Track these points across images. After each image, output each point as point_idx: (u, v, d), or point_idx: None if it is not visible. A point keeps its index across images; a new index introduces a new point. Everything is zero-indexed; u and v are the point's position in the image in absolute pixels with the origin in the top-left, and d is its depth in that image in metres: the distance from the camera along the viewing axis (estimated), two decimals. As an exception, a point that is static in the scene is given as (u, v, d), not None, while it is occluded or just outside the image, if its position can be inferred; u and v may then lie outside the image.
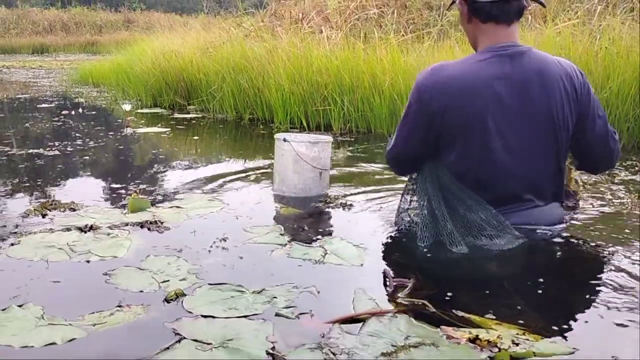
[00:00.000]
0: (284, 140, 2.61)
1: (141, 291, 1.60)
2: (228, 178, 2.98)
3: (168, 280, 1.67)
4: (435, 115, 1.84)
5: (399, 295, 1.52)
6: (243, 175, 3.06)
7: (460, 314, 1.39)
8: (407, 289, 1.55)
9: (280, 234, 2.07)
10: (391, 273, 1.67)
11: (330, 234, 2.10)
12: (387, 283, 1.62)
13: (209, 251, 1.89)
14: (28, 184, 2.89)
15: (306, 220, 2.30)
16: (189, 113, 5.73)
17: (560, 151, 1.90)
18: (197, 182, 2.90)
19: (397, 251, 1.99)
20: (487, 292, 1.58)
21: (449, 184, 1.90)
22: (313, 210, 2.43)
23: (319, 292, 1.57)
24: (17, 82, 9.98)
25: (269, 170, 3.09)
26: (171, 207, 2.44)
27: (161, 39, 7.50)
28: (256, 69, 5.07)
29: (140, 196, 2.51)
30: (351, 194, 2.64)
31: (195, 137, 4.38)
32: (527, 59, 1.84)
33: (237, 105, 5.23)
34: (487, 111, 1.80)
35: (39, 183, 2.91)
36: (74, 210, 2.41)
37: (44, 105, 6.51)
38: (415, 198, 2.03)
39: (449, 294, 1.53)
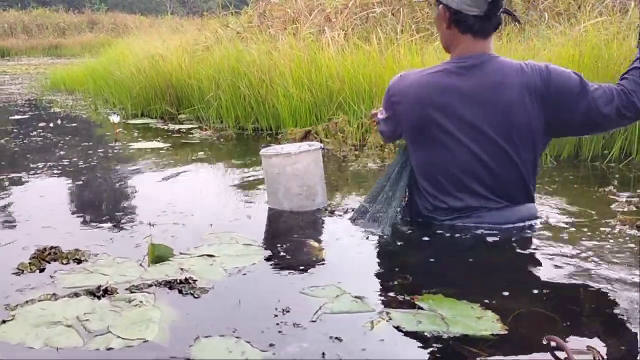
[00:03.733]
0: (260, 153, 2.46)
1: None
2: (253, 207, 2.51)
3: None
4: (399, 117, 2.07)
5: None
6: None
7: None
8: None
9: (357, 297, 1.59)
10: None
11: (420, 285, 1.63)
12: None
13: (280, 331, 1.40)
14: (14, 224, 2.36)
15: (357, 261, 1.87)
16: (182, 123, 5.19)
17: (522, 154, 1.96)
18: (221, 217, 2.41)
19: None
20: None
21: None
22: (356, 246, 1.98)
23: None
24: (-20, 90, 9.28)
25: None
26: (200, 255, 1.94)
27: (140, 42, 6.94)
28: (256, 73, 4.58)
29: (154, 239, 2.02)
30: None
31: (201, 153, 3.79)
32: (485, 68, 1.94)
33: (237, 114, 4.72)
34: (436, 119, 1.96)
35: (28, 221, 2.39)
36: (80, 261, 1.91)
37: (17, 117, 5.90)
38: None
39: None
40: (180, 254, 1.96)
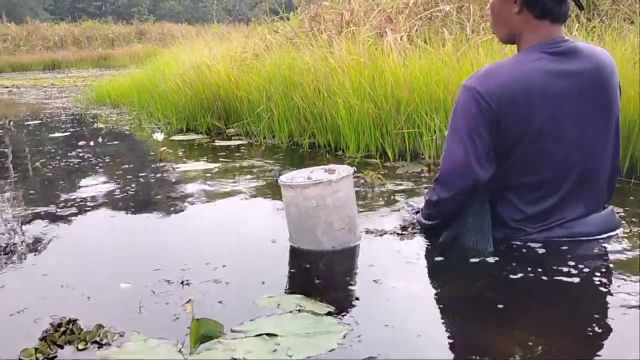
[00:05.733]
0: (276, 181, 2.07)
1: None
2: (313, 254, 2.00)
3: None
4: (495, 122, 1.74)
5: None
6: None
7: None
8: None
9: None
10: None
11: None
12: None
13: None
14: (29, 281, 1.93)
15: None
16: (230, 139, 4.73)
17: (617, 151, 1.88)
18: (277, 268, 1.92)
19: None
20: None
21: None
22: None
23: None
24: (27, 104, 9.09)
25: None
26: (258, 335, 1.45)
27: (187, 51, 6.55)
28: (312, 83, 4.10)
29: (195, 307, 1.55)
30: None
31: (250, 177, 3.25)
32: (583, 52, 1.77)
33: (291, 128, 4.24)
34: (556, 110, 1.75)
35: (46, 277, 1.95)
36: (101, 344, 1.45)
37: (57, 135, 5.56)
38: None
39: None
40: (232, 331, 1.48)
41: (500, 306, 1.52)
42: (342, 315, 1.53)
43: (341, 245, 2.01)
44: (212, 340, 1.43)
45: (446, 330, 1.47)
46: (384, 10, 5.06)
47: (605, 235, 1.87)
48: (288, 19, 6.54)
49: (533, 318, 1.48)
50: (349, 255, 2.00)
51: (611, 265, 1.75)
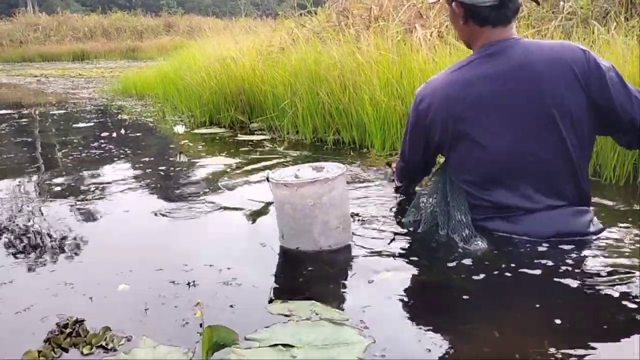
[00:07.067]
0: (267, 179, 1.98)
1: None
2: (329, 256, 1.91)
3: None
4: (429, 124, 1.94)
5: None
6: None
7: None
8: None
9: None
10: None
11: None
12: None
13: None
14: (37, 276, 1.87)
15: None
16: (253, 133, 4.64)
17: (569, 143, 1.81)
18: (290, 271, 1.83)
19: None
20: None
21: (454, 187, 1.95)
22: None
23: None
24: (53, 94, 9.11)
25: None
26: (273, 345, 1.36)
27: (213, 43, 6.48)
28: (338, 78, 3.99)
29: (205, 313, 1.46)
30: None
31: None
32: (512, 51, 1.83)
33: (315, 124, 4.14)
34: (470, 115, 1.84)
35: (53, 273, 1.88)
36: (107, 348, 1.37)
37: (80, 125, 5.53)
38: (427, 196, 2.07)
39: None
40: (245, 339, 1.39)
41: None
42: (361, 324, 1.43)
43: (337, 245, 1.97)
44: (226, 349, 1.34)
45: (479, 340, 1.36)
46: (414, 5, 4.92)
47: (559, 239, 1.85)
48: (316, 13, 6.44)
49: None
50: (346, 254, 1.94)
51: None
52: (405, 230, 2.10)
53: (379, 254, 1.91)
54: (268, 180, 1.97)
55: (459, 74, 1.90)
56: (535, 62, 1.81)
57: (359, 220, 2.24)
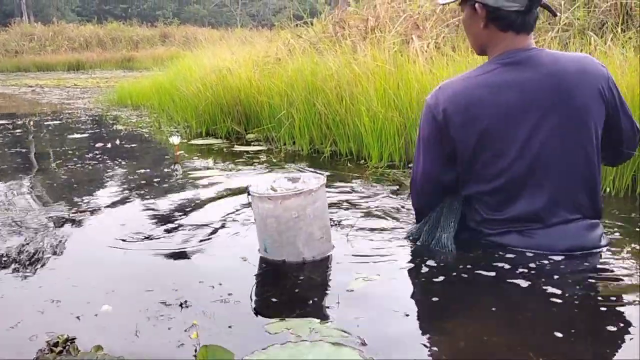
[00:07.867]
0: (247, 192, 1.93)
1: None
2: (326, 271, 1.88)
3: None
4: (444, 132, 1.82)
5: None
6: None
7: None
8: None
9: None
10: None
11: None
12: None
13: None
14: (27, 292, 1.82)
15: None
16: (249, 144, 4.61)
17: (591, 154, 1.79)
18: (287, 287, 1.79)
19: None
20: None
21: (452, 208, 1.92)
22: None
23: None
24: (48, 104, 9.06)
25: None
26: (272, 361, 1.33)
27: (209, 54, 6.47)
28: (335, 89, 3.98)
29: (199, 331, 1.42)
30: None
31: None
32: (540, 59, 1.78)
33: (312, 135, 4.12)
34: (496, 120, 1.77)
35: (41, 289, 1.84)
36: (100, 366, 1.33)
37: (75, 136, 5.49)
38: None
39: None
40: None
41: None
42: (361, 343, 1.39)
43: (320, 255, 1.95)
44: (222, 368, 1.30)
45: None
46: (411, 16, 4.92)
47: (574, 253, 1.81)
48: (312, 24, 6.43)
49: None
50: (329, 264, 1.94)
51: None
52: (390, 237, 2.11)
53: (365, 262, 1.91)
54: (249, 194, 1.93)
55: (485, 79, 1.80)
56: (565, 72, 1.77)
57: (340, 227, 2.25)
